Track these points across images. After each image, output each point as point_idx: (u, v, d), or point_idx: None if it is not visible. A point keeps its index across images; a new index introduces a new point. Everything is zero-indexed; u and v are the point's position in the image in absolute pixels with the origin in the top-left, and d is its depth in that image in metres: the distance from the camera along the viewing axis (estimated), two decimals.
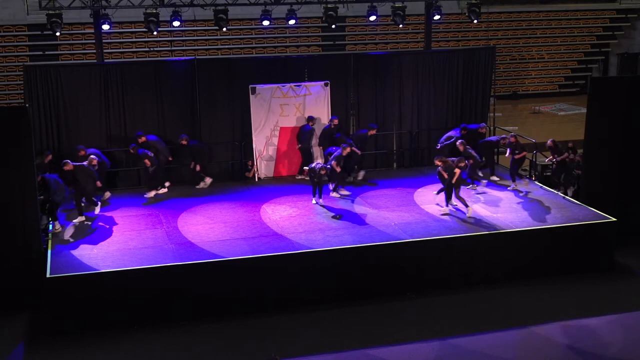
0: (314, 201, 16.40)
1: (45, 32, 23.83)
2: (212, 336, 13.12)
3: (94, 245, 14.48)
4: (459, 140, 17.86)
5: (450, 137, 18.74)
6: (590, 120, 16.58)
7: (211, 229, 15.34)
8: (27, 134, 13.94)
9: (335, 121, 18.80)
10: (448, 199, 15.97)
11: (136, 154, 17.27)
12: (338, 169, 16.84)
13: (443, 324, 13.45)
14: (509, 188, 17.68)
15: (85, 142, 17.54)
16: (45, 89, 17.54)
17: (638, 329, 13.45)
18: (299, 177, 18.62)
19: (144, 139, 17.53)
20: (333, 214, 15.86)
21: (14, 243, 13.96)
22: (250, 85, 18.57)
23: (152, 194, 17.49)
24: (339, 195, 17.20)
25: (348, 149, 17.12)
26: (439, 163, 15.93)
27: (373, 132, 18.82)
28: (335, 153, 17.11)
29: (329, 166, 16.67)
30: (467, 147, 17.67)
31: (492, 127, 20.30)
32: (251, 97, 18.60)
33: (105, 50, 21.21)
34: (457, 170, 15.76)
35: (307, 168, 16.85)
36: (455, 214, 15.96)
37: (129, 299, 13.36)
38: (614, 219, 15.52)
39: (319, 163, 16.45)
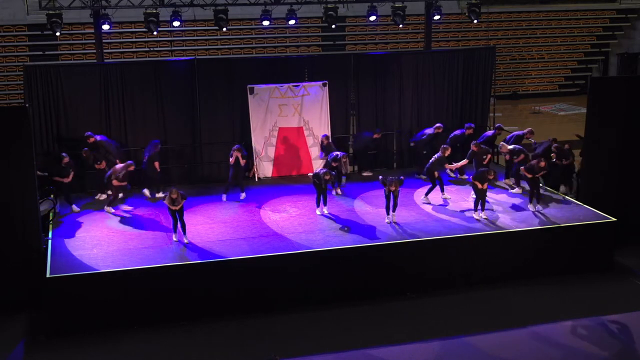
0: (318, 212, 16.19)
1: (45, 32, 23.85)
2: (212, 336, 13.12)
3: (94, 245, 14.48)
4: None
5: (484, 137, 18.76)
6: (590, 120, 16.57)
7: (211, 229, 15.33)
8: (27, 134, 13.95)
9: (441, 129, 18.85)
10: (477, 206, 15.78)
11: (89, 156, 17.00)
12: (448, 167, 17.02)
13: (443, 324, 13.45)
14: (512, 191, 17.54)
15: (85, 142, 17.53)
16: (45, 89, 17.54)
17: (638, 329, 13.45)
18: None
19: (93, 139, 17.25)
20: (341, 225, 15.71)
21: (14, 243, 13.95)
22: (249, 86, 18.57)
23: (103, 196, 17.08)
24: (449, 196, 17.12)
25: (449, 150, 17.09)
26: (393, 188, 15.37)
27: (500, 132, 18.65)
28: (435, 155, 16.95)
29: (334, 172, 16.73)
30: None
31: (491, 128, 20.27)
32: (249, 97, 18.59)
33: (105, 50, 21.21)
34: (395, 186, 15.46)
35: (311, 174, 16.74)
36: (461, 215, 15.98)
37: (129, 299, 13.35)
38: (614, 219, 15.52)
39: (322, 169, 16.40)
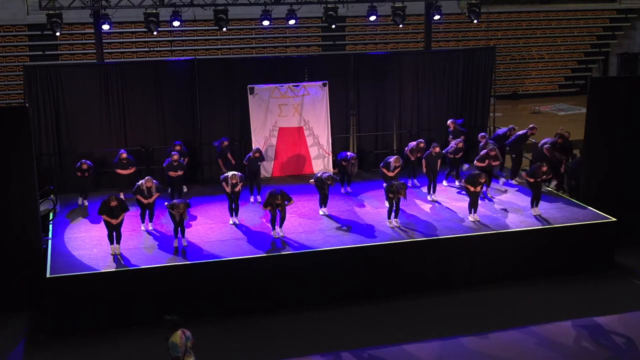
0: (320, 212, 16.23)
1: (45, 32, 23.82)
2: (212, 336, 13.12)
3: (94, 245, 14.49)
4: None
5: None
6: (590, 120, 16.57)
7: (211, 229, 15.34)
8: (27, 134, 13.95)
9: (535, 129, 18.76)
10: (471, 209, 15.73)
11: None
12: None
13: (443, 324, 13.45)
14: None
15: (85, 142, 17.58)
16: (45, 89, 17.55)
17: (638, 329, 13.45)
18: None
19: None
20: (341, 225, 15.68)
21: (14, 243, 13.95)
22: (249, 86, 18.58)
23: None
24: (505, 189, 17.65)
25: (494, 151, 17.20)
26: (402, 194, 15.29)
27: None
28: (481, 152, 17.37)
29: (337, 176, 16.80)
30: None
31: (491, 127, 20.33)
32: (249, 97, 18.61)
33: (105, 50, 21.21)
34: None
35: (312, 180, 16.71)
36: (461, 215, 15.98)
37: (129, 299, 13.36)
38: (614, 219, 15.53)
39: (325, 172, 16.39)
